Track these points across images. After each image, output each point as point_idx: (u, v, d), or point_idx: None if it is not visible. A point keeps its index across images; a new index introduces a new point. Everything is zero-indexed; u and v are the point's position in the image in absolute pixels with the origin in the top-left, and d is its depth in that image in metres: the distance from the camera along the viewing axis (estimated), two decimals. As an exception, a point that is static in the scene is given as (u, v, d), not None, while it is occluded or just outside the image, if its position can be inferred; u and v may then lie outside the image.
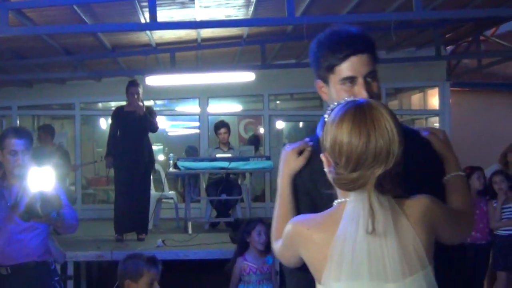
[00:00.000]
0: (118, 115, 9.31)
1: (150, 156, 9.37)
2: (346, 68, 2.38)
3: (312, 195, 2.42)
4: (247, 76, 11.09)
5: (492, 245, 7.45)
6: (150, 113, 9.29)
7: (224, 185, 10.18)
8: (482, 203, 7.52)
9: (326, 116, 2.11)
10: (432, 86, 13.22)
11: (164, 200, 11.20)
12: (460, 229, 2.29)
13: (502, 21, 11.11)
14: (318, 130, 2.17)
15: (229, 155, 10.38)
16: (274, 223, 2.40)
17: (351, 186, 2.00)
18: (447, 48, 12.85)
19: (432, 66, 12.42)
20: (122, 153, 9.13)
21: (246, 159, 9.82)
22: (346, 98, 2.15)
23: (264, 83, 11.97)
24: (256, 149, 12.34)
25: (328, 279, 2.01)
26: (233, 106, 14.42)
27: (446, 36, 11.59)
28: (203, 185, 11.33)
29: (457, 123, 14.52)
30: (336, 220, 2.03)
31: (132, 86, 9.23)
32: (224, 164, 9.64)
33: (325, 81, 2.47)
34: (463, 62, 14.11)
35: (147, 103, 12.52)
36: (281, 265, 2.58)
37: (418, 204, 2.10)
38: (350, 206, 2.02)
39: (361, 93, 2.35)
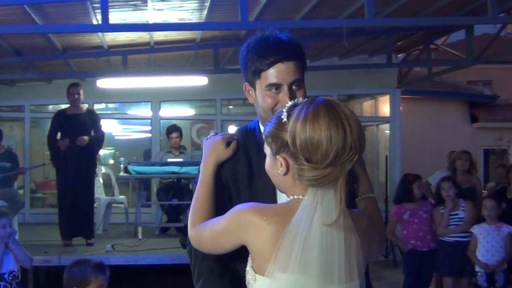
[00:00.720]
0: (59, 118, 9.24)
1: (92, 160, 9.27)
2: (271, 74, 2.40)
3: (230, 189, 2.46)
4: (200, 80, 11.06)
5: (436, 251, 7.52)
6: (95, 118, 9.25)
7: (176, 189, 10.12)
8: (420, 211, 7.57)
9: (283, 116, 2.07)
10: (383, 94, 13.34)
11: (114, 205, 11.10)
12: (379, 249, 2.34)
13: (453, 30, 11.30)
14: (269, 130, 2.13)
15: (181, 159, 10.32)
16: (194, 209, 2.35)
17: (322, 181, 1.99)
18: (398, 56, 13.00)
19: (383, 74, 12.53)
20: (64, 156, 9.00)
21: (197, 163, 9.76)
22: (290, 102, 2.13)
23: (217, 88, 11.95)
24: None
25: (273, 270, 1.99)
26: (185, 110, 14.38)
27: (398, 44, 11.73)
28: (154, 189, 11.24)
29: (408, 130, 14.71)
30: (292, 213, 2.01)
31: (73, 86, 9.21)
32: (176, 168, 9.59)
33: (252, 84, 2.49)
34: (414, 70, 14.31)
35: (98, 106, 12.47)
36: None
37: (362, 218, 2.15)
38: (309, 201, 2.01)
39: (285, 101, 2.35)
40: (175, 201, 10.12)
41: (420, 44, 11.80)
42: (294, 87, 2.42)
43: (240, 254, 2.15)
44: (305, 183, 2.02)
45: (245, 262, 2.17)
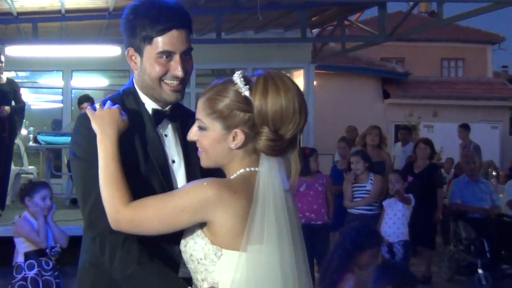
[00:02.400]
0: None
1: (12, 128, 9.03)
2: (164, 42, 2.30)
3: (129, 159, 2.26)
4: (113, 51, 10.90)
5: (329, 227, 7.59)
6: (15, 87, 9.01)
7: (86, 160, 9.96)
8: (316, 184, 7.64)
9: (243, 90, 2.05)
10: (298, 68, 13.45)
11: (23, 175, 10.84)
12: None
13: (366, 7, 11.45)
14: (223, 104, 2.07)
15: (92, 130, 10.15)
16: (111, 188, 2.13)
17: (287, 149, 2.07)
18: (313, 31, 13.11)
19: (298, 48, 12.63)
20: None
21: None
22: (238, 73, 2.09)
23: (130, 58, 11.77)
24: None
25: (248, 243, 1.99)
26: (98, 81, 14.16)
27: (312, 19, 11.81)
28: (65, 160, 11.03)
29: (321, 105, 14.90)
30: (253, 186, 2.04)
31: None
32: (86, 139, 9.42)
33: (139, 51, 2.36)
34: (328, 45, 14.44)
35: (8, 74, 12.11)
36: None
37: None
38: (266, 171, 2.05)
39: (176, 69, 2.31)
40: (86, 172, 9.96)
41: (334, 20, 11.92)
42: (185, 56, 2.35)
43: (171, 236, 2.11)
44: (271, 154, 2.06)
45: (175, 243, 2.15)
